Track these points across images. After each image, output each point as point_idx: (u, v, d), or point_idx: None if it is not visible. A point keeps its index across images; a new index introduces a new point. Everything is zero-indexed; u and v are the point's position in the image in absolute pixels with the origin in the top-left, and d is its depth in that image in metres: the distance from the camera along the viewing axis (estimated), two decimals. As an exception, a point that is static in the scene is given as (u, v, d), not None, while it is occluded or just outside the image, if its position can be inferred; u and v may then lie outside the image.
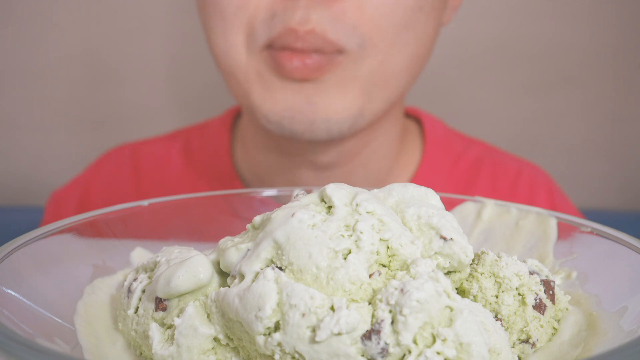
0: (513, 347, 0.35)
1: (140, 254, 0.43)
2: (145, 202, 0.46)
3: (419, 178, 0.77)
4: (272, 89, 0.63)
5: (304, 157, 0.71)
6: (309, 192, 0.48)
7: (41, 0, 1.17)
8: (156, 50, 1.20)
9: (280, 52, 0.60)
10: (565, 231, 0.43)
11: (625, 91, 1.19)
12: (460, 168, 0.80)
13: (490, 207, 0.46)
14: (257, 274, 0.32)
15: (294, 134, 0.63)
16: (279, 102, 0.62)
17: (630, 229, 0.44)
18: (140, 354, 0.36)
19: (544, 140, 1.21)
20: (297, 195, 0.37)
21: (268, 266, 0.32)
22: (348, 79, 0.62)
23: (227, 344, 0.33)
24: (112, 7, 1.18)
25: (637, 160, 1.21)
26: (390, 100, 0.67)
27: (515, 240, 0.44)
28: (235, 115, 0.83)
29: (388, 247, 0.33)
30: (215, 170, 0.79)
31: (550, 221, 0.44)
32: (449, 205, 0.48)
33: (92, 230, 0.43)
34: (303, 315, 0.30)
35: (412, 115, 0.83)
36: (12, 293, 0.35)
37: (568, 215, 0.44)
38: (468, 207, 0.47)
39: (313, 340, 0.29)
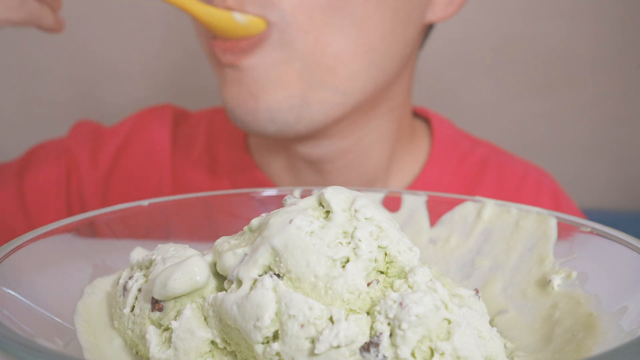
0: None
1: (140, 254, 0.43)
2: (145, 202, 0.46)
3: (425, 176, 0.77)
4: (224, 80, 0.65)
5: (298, 150, 0.71)
6: (303, 195, 0.48)
7: None
8: (156, 49, 1.20)
9: (212, 40, 0.62)
10: (565, 231, 0.43)
11: (626, 91, 1.19)
12: (466, 167, 0.81)
13: (490, 207, 0.46)
14: (255, 281, 0.32)
15: (245, 125, 0.65)
16: (229, 94, 0.64)
17: (631, 229, 0.44)
18: (137, 352, 0.36)
19: (544, 140, 1.21)
20: (285, 200, 0.36)
21: (266, 273, 0.32)
22: (282, 61, 0.62)
23: (225, 348, 0.33)
24: (113, 5, 1.18)
25: (637, 160, 1.21)
26: (346, 91, 0.64)
27: (515, 240, 0.44)
28: None
29: (386, 254, 0.33)
30: (233, 156, 0.80)
31: (550, 221, 0.44)
32: (450, 205, 0.48)
33: (92, 230, 0.43)
34: (302, 326, 0.30)
35: (421, 115, 0.84)
36: (12, 293, 0.35)
37: (568, 215, 0.44)
38: (468, 207, 0.47)
39: (312, 352, 0.29)
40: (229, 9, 0.59)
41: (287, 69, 0.62)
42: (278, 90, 0.62)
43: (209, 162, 0.81)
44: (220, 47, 0.62)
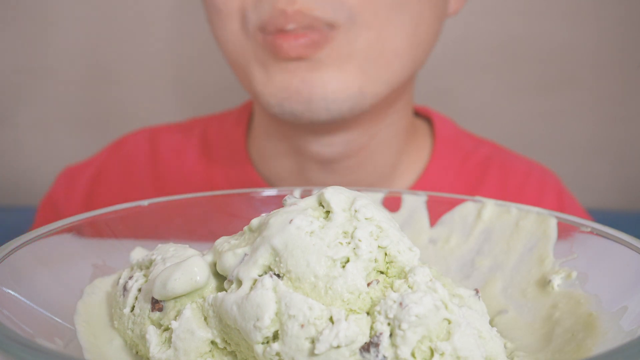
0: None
1: (140, 254, 0.43)
2: (145, 202, 0.46)
3: (427, 176, 0.77)
4: (270, 72, 0.64)
5: (311, 150, 0.71)
6: (303, 195, 0.48)
7: (42, -1, 1.17)
8: (158, 49, 1.20)
9: (274, 34, 0.62)
10: (565, 231, 0.43)
11: (626, 91, 1.19)
12: (469, 167, 0.80)
13: (490, 207, 0.46)
14: (255, 281, 0.32)
15: (294, 114, 0.64)
16: (277, 84, 0.63)
17: (631, 229, 0.44)
18: (137, 352, 0.36)
19: (544, 140, 1.21)
20: (285, 200, 0.36)
21: (266, 273, 0.32)
22: (344, 56, 0.62)
23: (225, 348, 0.33)
24: (114, 5, 1.18)
25: (638, 160, 1.21)
26: (393, 83, 0.66)
27: (515, 240, 0.44)
28: (253, 108, 0.84)
29: (386, 254, 0.33)
30: (231, 161, 0.80)
31: (550, 221, 0.44)
32: (450, 205, 0.48)
33: (92, 230, 0.43)
34: (302, 326, 0.30)
35: (422, 114, 0.83)
36: (12, 293, 0.35)
37: (568, 215, 0.44)
38: (468, 207, 0.47)
39: (312, 353, 0.29)
40: (299, 11, 0.60)
41: (348, 63, 0.63)
42: (336, 81, 0.63)
43: (204, 172, 0.81)
44: (294, 39, 0.61)
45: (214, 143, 0.83)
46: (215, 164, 0.81)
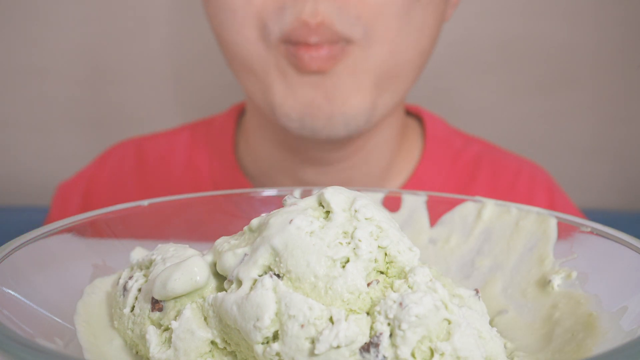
0: None
1: (140, 254, 0.43)
2: (145, 202, 0.46)
3: (418, 175, 0.77)
4: (293, 85, 0.64)
5: (308, 153, 0.71)
6: (303, 195, 0.48)
7: (42, -1, 1.17)
8: (157, 50, 1.20)
9: (297, 46, 0.61)
10: (565, 231, 0.43)
11: (626, 91, 1.19)
12: (460, 165, 0.80)
13: (490, 207, 0.46)
14: (254, 281, 0.32)
15: (314, 130, 0.64)
16: (299, 99, 0.63)
17: (630, 229, 0.44)
18: (137, 352, 0.36)
19: (544, 140, 1.21)
20: (285, 200, 0.36)
21: (266, 273, 0.32)
22: (359, 70, 0.63)
23: (225, 348, 0.33)
24: (113, 5, 1.18)
25: (637, 160, 1.21)
26: (400, 93, 0.68)
27: (515, 240, 0.44)
28: (240, 112, 0.83)
29: (386, 254, 0.33)
30: (220, 165, 0.80)
31: (550, 221, 0.44)
32: (449, 205, 0.48)
33: (92, 230, 0.43)
34: (302, 326, 0.30)
35: (413, 113, 0.83)
36: (12, 293, 0.35)
37: (568, 215, 0.44)
38: (468, 207, 0.47)
39: (312, 353, 0.29)
40: (321, 23, 0.60)
41: (364, 78, 0.63)
42: (354, 97, 0.63)
43: (191, 179, 0.80)
44: (315, 51, 0.61)
45: (200, 149, 0.82)
46: (203, 171, 0.81)
